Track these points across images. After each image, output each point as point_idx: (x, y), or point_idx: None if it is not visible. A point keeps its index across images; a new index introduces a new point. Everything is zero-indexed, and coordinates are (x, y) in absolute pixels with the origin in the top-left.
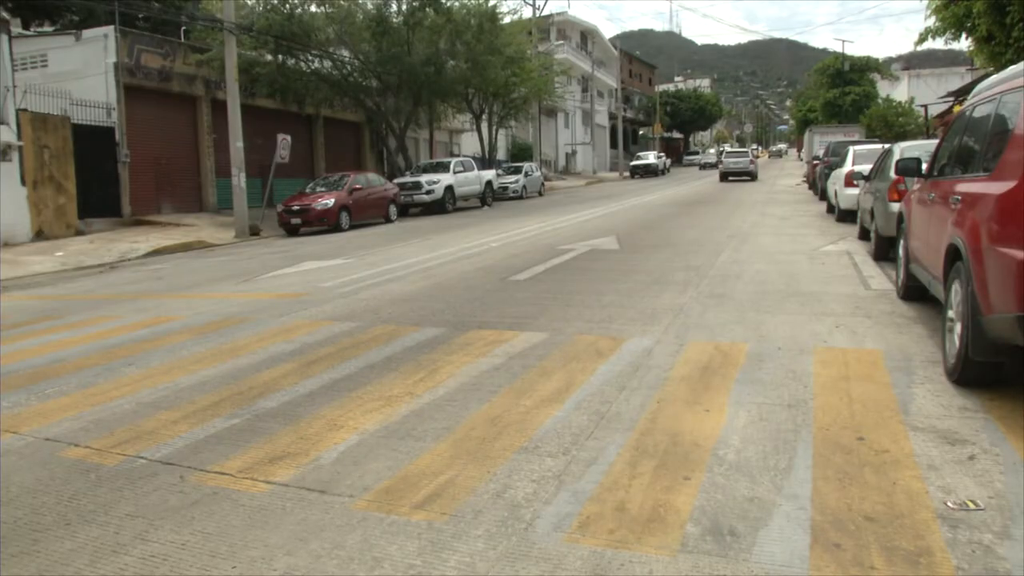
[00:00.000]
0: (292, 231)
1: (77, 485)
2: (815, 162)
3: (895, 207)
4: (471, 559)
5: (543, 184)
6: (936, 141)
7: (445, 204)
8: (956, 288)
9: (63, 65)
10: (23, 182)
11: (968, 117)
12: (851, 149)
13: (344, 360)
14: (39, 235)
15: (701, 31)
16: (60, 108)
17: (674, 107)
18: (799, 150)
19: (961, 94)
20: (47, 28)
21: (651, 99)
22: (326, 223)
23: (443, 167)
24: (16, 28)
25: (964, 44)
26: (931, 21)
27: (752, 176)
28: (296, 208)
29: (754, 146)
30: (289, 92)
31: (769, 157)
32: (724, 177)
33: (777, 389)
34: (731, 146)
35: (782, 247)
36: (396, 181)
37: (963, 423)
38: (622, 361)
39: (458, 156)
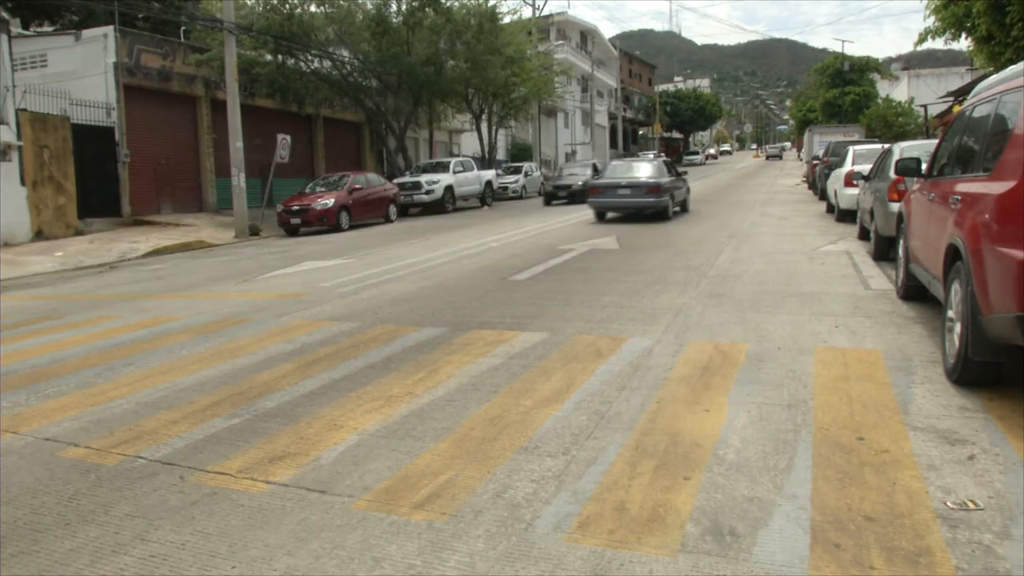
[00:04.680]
0: (292, 231)
1: (77, 485)
2: (815, 162)
3: (895, 207)
4: (471, 559)
5: (543, 184)
6: (936, 141)
7: (445, 204)
8: (956, 288)
9: (63, 65)
10: (23, 182)
11: (968, 117)
12: (851, 149)
13: (344, 360)
14: (39, 235)
15: (701, 31)
16: (60, 108)
17: (674, 107)
18: (799, 150)
19: (961, 94)
20: (47, 28)
21: (651, 99)
22: (326, 223)
23: (443, 167)
24: (16, 28)
25: (964, 44)
26: (931, 21)
27: (781, 158)
28: (296, 208)
29: (754, 146)
30: (289, 92)
31: (767, 158)
32: (768, 158)
33: (777, 389)
34: (727, 146)
35: (782, 247)
36: (396, 181)
37: (963, 423)
38: (622, 361)
39: (458, 156)
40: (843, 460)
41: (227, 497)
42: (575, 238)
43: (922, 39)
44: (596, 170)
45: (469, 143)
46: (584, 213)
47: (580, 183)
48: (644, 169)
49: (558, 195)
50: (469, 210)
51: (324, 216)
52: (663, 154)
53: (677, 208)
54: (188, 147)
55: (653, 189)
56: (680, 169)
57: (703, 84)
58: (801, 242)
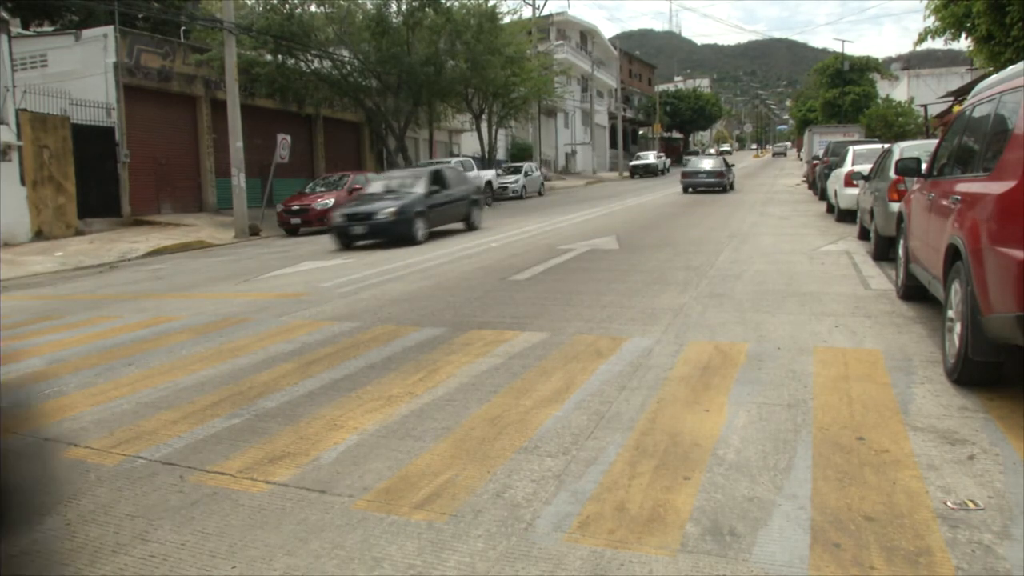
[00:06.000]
0: (292, 231)
1: (77, 485)
2: (815, 162)
3: (895, 207)
4: (471, 559)
5: (543, 184)
6: (936, 141)
7: None
8: (956, 288)
9: (63, 65)
10: (23, 182)
11: (968, 117)
12: (851, 149)
13: (344, 360)
14: (39, 235)
15: (701, 31)
16: (60, 108)
17: (674, 107)
18: (799, 150)
19: (961, 94)
20: (47, 28)
21: (651, 99)
22: (326, 223)
23: None
24: (16, 28)
25: (964, 44)
26: (931, 21)
27: (785, 155)
28: (296, 208)
29: (754, 146)
30: (289, 92)
31: (773, 155)
32: (774, 155)
33: (777, 389)
34: (727, 146)
35: (782, 247)
36: None
37: (963, 423)
38: (622, 361)
39: (458, 156)
40: (843, 460)
41: (227, 497)
42: (575, 238)
43: (922, 39)
44: (440, 182)
45: (469, 143)
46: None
47: (391, 211)
48: (712, 163)
49: (352, 231)
50: None
51: (324, 216)
52: (663, 154)
53: (730, 187)
54: (188, 147)
55: (719, 175)
56: (730, 162)
57: (703, 84)
58: (801, 242)
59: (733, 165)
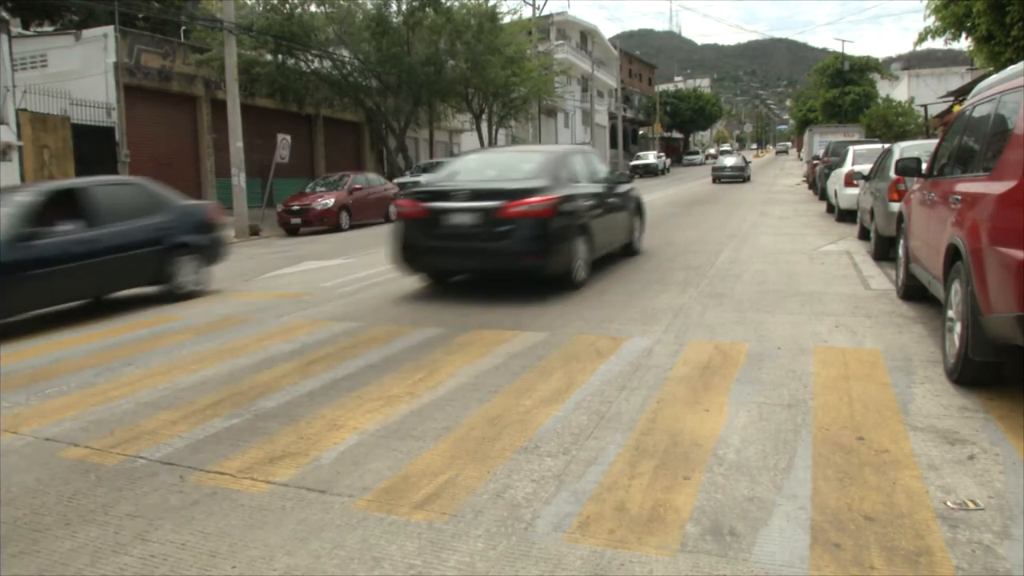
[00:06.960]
0: (292, 231)
1: (77, 485)
2: (815, 162)
3: (895, 207)
4: (471, 559)
5: None
6: (936, 141)
7: None
8: (956, 288)
9: (63, 65)
10: (23, 182)
11: (968, 117)
12: (851, 149)
13: (344, 360)
14: None
15: (701, 31)
16: (60, 108)
17: (674, 107)
18: (799, 150)
19: (961, 94)
20: (47, 28)
21: (651, 99)
22: (326, 223)
23: (443, 167)
24: (16, 28)
25: (964, 44)
26: (931, 21)
27: (787, 153)
28: (296, 208)
29: (754, 146)
30: (289, 92)
31: (777, 154)
32: (777, 153)
33: (777, 389)
34: (727, 145)
35: (782, 247)
36: (396, 181)
37: (963, 423)
38: (622, 361)
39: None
40: (843, 460)
41: (227, 497)
42: None
43: (922, 39)
44: (786, 148)
45: (469, 143)
46: None
47: (784, 149)
48: (735, 160)
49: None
50: None
51: (324, 216)
52: (663, 154)
53: (748, 179)
54: (188, 147)
55: (740, 169)
56: (747, 159)
57: (703, 84)
58: (801, 242)
59: (750, 162)
